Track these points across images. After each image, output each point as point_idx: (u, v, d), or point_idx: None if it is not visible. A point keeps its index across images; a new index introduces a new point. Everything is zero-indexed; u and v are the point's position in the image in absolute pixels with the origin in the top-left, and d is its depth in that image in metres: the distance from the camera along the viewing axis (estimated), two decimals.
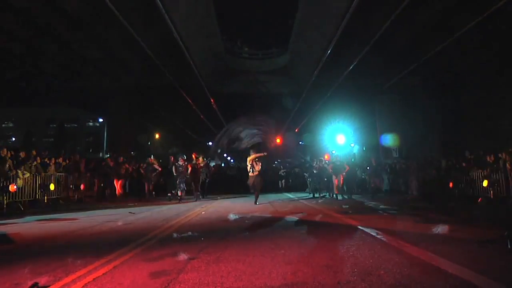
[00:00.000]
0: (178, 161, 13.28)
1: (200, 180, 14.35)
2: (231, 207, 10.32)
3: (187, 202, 12.51)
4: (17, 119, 49.56)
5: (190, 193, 14.43)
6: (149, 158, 14.66)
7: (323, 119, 22.84)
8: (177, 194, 13.06)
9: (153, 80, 20.87)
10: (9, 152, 10.83)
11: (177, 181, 13.01)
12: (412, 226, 6.14)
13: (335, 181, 13.17)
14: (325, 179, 14.40)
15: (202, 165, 14.37)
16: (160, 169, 14.55)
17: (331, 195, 13.89)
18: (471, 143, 15.57)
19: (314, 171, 14.92)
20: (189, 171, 13.47)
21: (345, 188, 13.54)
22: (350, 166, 13.87)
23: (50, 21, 14.87)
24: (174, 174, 13.12)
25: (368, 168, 15.99)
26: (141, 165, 16.01)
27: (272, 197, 14.26)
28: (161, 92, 22.65)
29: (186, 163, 13.49)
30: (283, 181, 20.14)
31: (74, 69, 20.00)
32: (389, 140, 20.10)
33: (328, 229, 6.05)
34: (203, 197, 14.38)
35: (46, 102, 36.46)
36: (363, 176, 16.52)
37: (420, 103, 20.91)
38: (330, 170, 13.52)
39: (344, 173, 13.11)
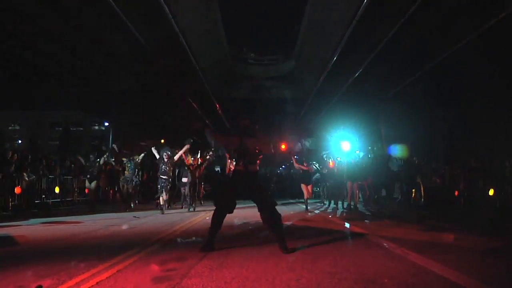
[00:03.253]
0: (163, 158, 10.28)
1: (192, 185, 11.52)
2: (235, 213, 10.17)
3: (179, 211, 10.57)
4: (23, 122, 49.98)
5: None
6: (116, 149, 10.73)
7: (328, 125, 22.78)
8: (159, 202, 10.60)
9: (159, 84, 20.98)
10: (15, 155, 10.94)
11: (159, 185, 10.31)
12: (416, 234, 6.09)
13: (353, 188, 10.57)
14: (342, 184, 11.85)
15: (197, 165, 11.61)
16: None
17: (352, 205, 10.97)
18: (477, 151, 15.43)
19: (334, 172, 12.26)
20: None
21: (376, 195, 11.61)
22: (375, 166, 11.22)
23: (55, 26, 15.00)
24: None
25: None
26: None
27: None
28: (167, 96, 22.76)
29: (171, 160, 10.38)
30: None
31: (79, 73, 20.16)
32: (397, 150, 19.87)
33: (331, 236, 6.01)
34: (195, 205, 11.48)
35: (51, 105, 36.81)
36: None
37: (425, 110, 20.81)
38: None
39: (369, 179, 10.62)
